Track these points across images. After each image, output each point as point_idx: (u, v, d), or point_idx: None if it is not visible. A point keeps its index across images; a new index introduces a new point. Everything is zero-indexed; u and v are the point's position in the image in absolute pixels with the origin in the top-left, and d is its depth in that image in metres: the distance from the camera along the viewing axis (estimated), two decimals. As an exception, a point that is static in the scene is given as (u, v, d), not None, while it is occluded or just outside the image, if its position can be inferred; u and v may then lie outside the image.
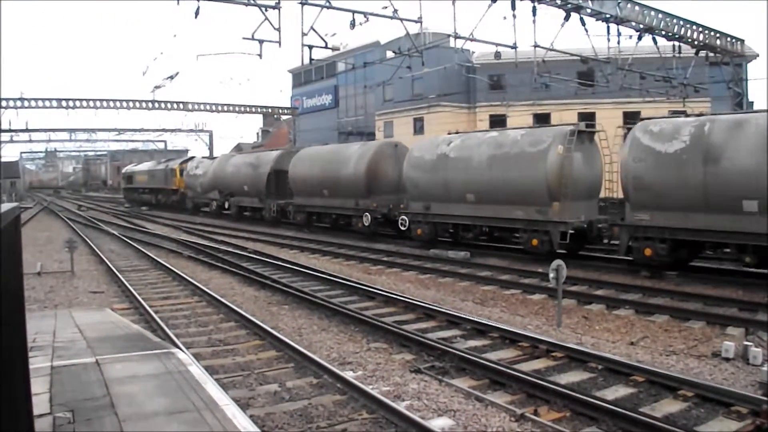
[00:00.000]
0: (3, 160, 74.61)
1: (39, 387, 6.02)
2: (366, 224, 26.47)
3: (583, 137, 19.41)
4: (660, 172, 16.16)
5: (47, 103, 46.37)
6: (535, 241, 19.21)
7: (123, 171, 72.61)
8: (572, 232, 18.25)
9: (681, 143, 15.89)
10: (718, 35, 25.71)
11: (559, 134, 19.03)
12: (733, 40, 26.76)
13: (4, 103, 45.22)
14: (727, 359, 9.10)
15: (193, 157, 52.28)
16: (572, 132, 18.77)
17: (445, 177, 22.12)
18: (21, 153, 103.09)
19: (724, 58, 26.82)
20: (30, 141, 77.65)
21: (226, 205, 40.19)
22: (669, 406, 7.24)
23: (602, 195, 20.64)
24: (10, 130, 63.90)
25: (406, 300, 13.15)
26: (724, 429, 6.60)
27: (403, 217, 24.34)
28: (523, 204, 19.52)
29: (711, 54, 26.22)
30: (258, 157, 37.91)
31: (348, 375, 8.13)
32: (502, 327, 10.76)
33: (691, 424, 6.71)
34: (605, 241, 18.97)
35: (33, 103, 46.13)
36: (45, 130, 69.24)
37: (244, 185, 36.97)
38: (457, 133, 24.05)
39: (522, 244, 20.19)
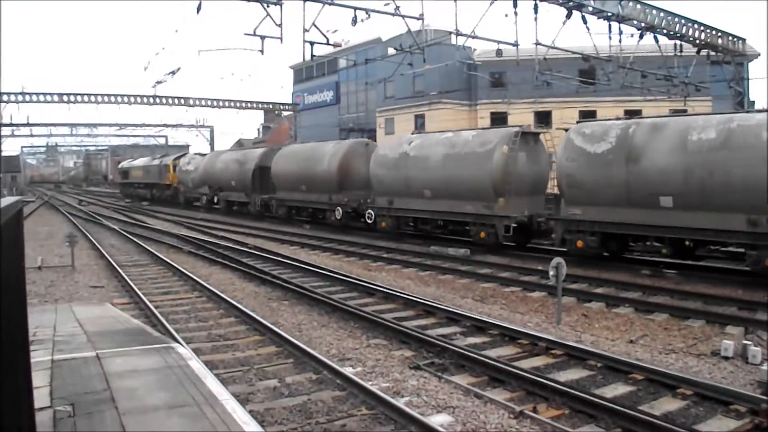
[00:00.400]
0: (4, 154, 74.58)
1: (39, 380, 6.04)
2: (338, 217, 28.48)
3: (528, 138, 21.28)
4: (590, 171, 17.66)
5: (48, 98, 46.31)
6: (482, 234, 20.91)
7: (119, 166, 74.54)
8: (515, 225, 19.78)
9: (608, 144, 17.35)
10: (719, 34, 25.67)
11: (505, 135, 20.82)
12: (735, 39, 26.72)
13: (5, 98, 45.22)
14: (727, 358, 9.12)
15: (185, 154, 53.89)
16: (516, 133, 20.68)
17: (406, 174, 23.85)
18: (22, 147, 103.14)
19: (726, 57, 26.78)
20: (31, 135, 77.56)
21: (215, 200, 42.10)
22: (668, 405, 7.26)
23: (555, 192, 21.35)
24: (11, 125, 63.89)
25: (406, 297, 13.16)
26: (723, 428, 6.61)
27: (370, 211, 26.14)
28: (472, 199, 21.13)
29: (712, 53, 26.18)
30: (244, 154, 40.12)
31: (347, 371, 8.15)
32: (501, 324, 10.78)
33: (690, 422, 6.72)
34: (553, 235, 19.83)
35: (34, 98, 46.06)
36: (46, 125, 69.30)
37: (232, 181, 39.10)
38: (418, 133, 25.33)
39: (472, 236, 21.63)
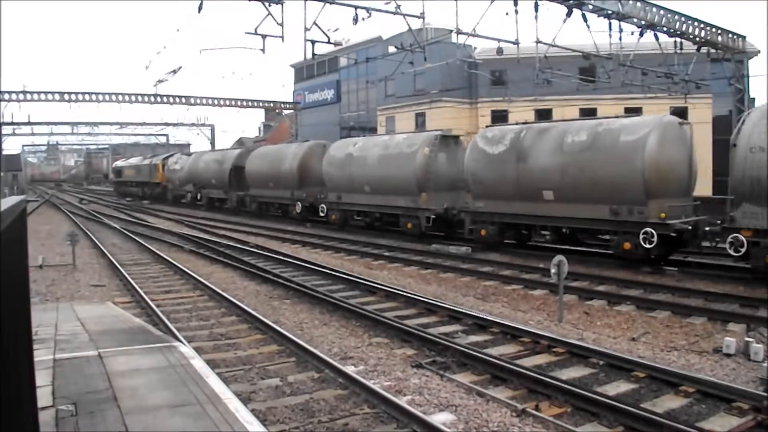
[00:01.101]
0: (5, 153, 74.51)
1: (42, 379, 6.04)
2: (298, 211, 32.12)
3: (449, 140, 24.63)
4: (489, 170, 20.51)
5: (50, 97, 46.27)
6: (409, 225, 24.15)
7: (113, 166, 79.09)
8: (434, 216, 22.91)
9: (504, 147, 20.17)
10: (719, 32, 25.62)
11: (427, 138, 24.14)
12: (735, 37, 26.67)
13: (6, 96, 45.21)
14: (729, 355, 9.13)
15: (173, 154, 56.04)
16: (436, 137, 24.05)
17: (351, 172, 26.99)
18: (23, 146, 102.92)
19: (726, 55, 26.72)
20: (32, 134, 77.66)
21: (199, 197, 45.76)
22: (670, 402, 7.27)
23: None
24: (12, 123, 63.85)
25: (408, 295, 13.17)
26: (726, 425, 6.62)
27: (323, 205, 29.38)
28: (401, 194, 24.28)
29: (713, 50, 26.14)
30: (223, 154, 43.97)
31: (349, 370, 8.15)
32: (503, 322, 10.79)
33: (693, 420, 6.73)
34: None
35: (35, 97, 46.03)
36: (47, 123, 69.16)
37: (212, 179, 42.93)
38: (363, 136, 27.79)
39: (401, 226, 24.65)
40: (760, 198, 14.46)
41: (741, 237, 14.79)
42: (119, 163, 73.83)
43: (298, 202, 31.95)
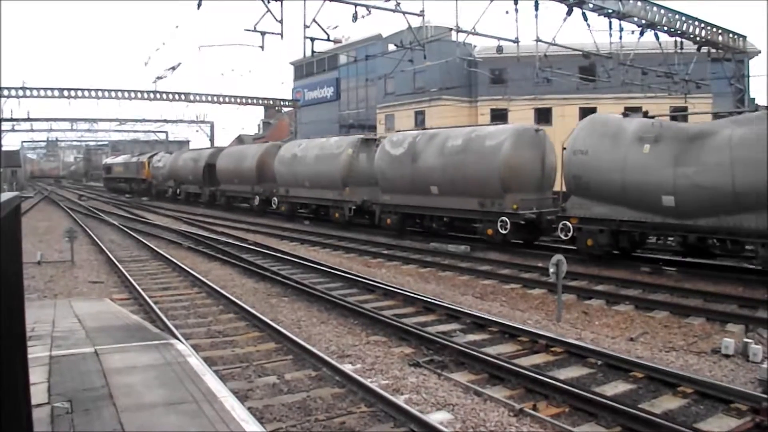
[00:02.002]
0: (4, 149, 74.47)
1: (38, 376, 6.02)
2: (256, 203, 36.41)
3: (369, 143, 28.23)
4: (392, 168, 24.22)
5: (49, 93, 46.30)
6: (336, 214, 28.23)
7: (103, 163, 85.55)
8: (355, 208, 27.14)
9: (403, 149, 23.87)
10: (720, 32, 25.62)
11: (351, 141, 28.45)
12: (736, 37, 26.67)
13: (6, 93, 45.20)
14: (727, 356, 9.11)
15: (157, 152, 60.54)
16: (359, 140, 28.27)
17: (295, 170, 31.31)
18: (22, 142, 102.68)
19: (726, 55, 26.73)
20: (31, 130, 77.52)
21: (178, 192, 49.99)
22: (668, 403, 7.24)
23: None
24: (11, 119, 63.81)
25: (406, 293, 13.14)
26: (724, 426, 6.59)
27: (275, 198, 33.85)
28: (330, 188, 28.59)
29: (713, 50, 26.14)
30: (198, 153, 48.00)
31: (347, 368, 8.13)
32: (501, 321, 10.76)
33: (691, 420, 6.70)
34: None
35: (35, 93, 46.06)
36: (46, 120, 69.04)
37: (189, 175, 46.98)
38: (308, 138, 32.53)
39: (330, 216, 28.81)
40: (582, 191, 17.91)
41: (569, 224, 18.12)
42: (109, 160, 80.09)
43: (257, 196, 36.37)
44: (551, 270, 11.59)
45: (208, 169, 43.30)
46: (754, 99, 34.06)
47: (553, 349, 9.27)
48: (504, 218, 19.85)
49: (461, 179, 21.19)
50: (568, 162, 18.07)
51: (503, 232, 19.89)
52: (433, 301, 12.43)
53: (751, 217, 14.41)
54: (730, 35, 26.31)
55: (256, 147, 39.05)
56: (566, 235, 18.20)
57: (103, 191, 74.68)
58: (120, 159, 72.90)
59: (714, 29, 25.32)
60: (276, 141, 43.08)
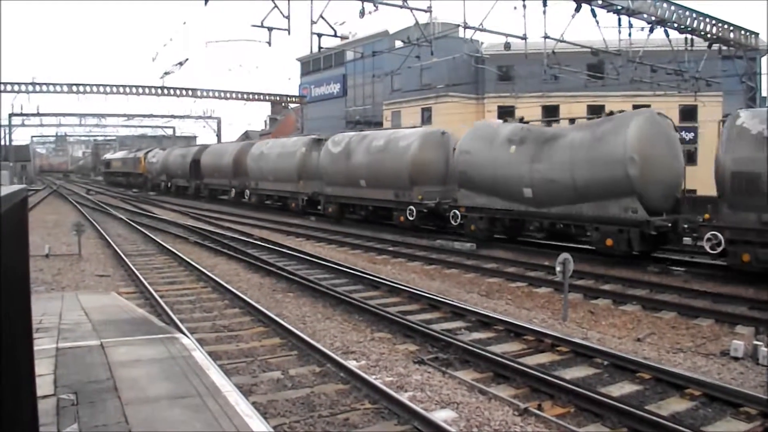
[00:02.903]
0: (14, 143, 74.79)
1: (44, 368, 6.04)
2: (232, 195, 41.39)
3: (321, 142, 31.39)
4: (333, 164, 28.32)
5: (58, 88, 46.50)
6: (293, 204, 33.16)
7: (102, 158, 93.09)
8: (307, 199, 31.83)
9: (341, 148, 27.99)
10: (731, 28, 25.43)
11: (305, 141, 33.12)
12: (748, 34, 26.46)
13: (16, 88, 45.40)
14: (736, 358, 9.00)
15: (152, 149, 65.49)
16: (311, 140, 32.71)
17: (261, 165, 36.28)
18: (32, 137, 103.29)
19: (738, 52, 26.53)
20: (41, 125, 78.02)
21: (169, 185, 54.85)
22: (676, 405, 7.18)
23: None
24: (21, 114, 64.14)
25: (411, 290, 13.11)
26: (733, 430, 6.53)
27: (247, 190, 38.60)
28: (288, 182, 33.28)
29: (724, 47, 25.95)
30: (186, 150, 53.08)
31: (351, 364, 8.10)
32: (507, 320, 10.72)
33: (699, 423, 6.64)
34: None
35: (44, 88, 46.29)
36: (55, 115, 69.59)
37: (179, 170, 51.76)
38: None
39: (288, 207, 33.73)
40: (467, 185, 21.40)
41: (458, 212, 21.67)
42: (108, 156, 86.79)
43: (233, 189, 41.24)
44: (558, 269, 11.53)
45: (194, 165, 47.85)
46: (766, 97, 33.89)
47: (558, 348, 9.22)
48: (411, 207, 23.78)
49: (382, 174, 25.30)
50: (457, 160, 21.99)
51: (411, 218, 23.82)
52: (438, 298, 12.39)
53: (588, 206, 17.72)
54: (742, 32, 26.12)
55: (233, 145, 44.47)
56: (456, 222, 21.89)
57: (112, 185, 74.92)
58: (118, 155, 78.47)
59: (725, 26, 25.13)
60: (281, 137, 43.61)
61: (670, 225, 16.57)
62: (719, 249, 15.03)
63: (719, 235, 14.93)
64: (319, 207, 30.75)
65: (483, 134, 21.43)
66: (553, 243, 20.38)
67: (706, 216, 15.80)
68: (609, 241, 17.07)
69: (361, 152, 26.46)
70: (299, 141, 33.79)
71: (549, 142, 18.78)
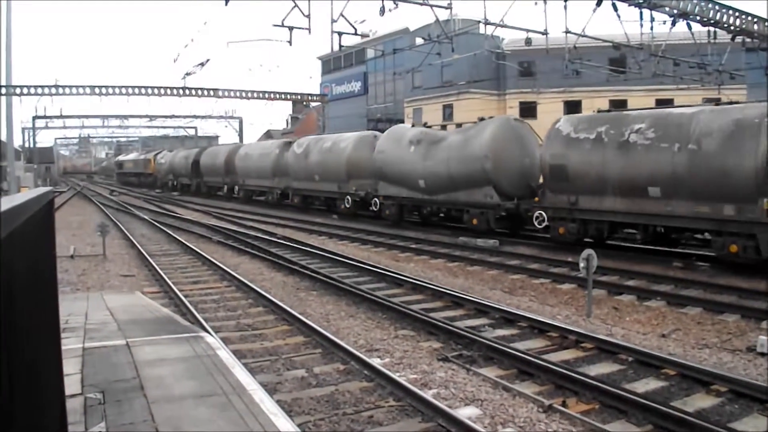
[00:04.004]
0: (38, 145, 75.82)
1: (71, 368, 6.11)
2: (224, 191, 46.64)
3: (291, 144, 36.55)
4: (296, 163, 34.33)
5: (81, 90, 46.82)
6: (269, 197, 38.63)
7: (115, 160, 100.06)
8: (280, 192, 37.08)
9: (302, 149, 33.80)
10: (755, 20, 25.00)
11: (279, 143, 39.40)
12: (772, 26, 26.03)
13: (39, 90, 45.92)
14: (763, 354, 8.87)
15: (161, 151, 70.40)
16: (284, 143, 38.61)
17: (247, 164, 41.83)
18: (55, 139, 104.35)
19: (762, 44, 26.12)
20: (64, 127, 78.74)
21: (175, 183, 60.38)
22: (701, 401, 7.11)
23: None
24: (44, 117, 64.91)
25: (434, 288, 13.10)
26: (760, 426, 6.44)
27: (236, 186, 44.07)
28: (266, 178, 38.63)
29: (748, 39, 25.56)
30: (189, 152, 58.26)
31: (375, 362, 8.12)
32: (530, 316, 10.67)
33: (725, 420, 6.56)
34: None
35: (67, 90, 46.63)
36: (78, 117, 70.13)
37: (182, 170, 57.32)
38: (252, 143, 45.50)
39: (266, 199, 39.72)
40: (383, 178, 26.40)
41: (377, 200, 26.91)
42: (121, 157, 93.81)
43: (225, 185, 46.44)
44: (581, 265, 11.46)
45: (194, 165, 53.33)
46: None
47: (583, 344, 9.17)
48: (348, 196, 29.25)
49: (329, 170, 30.72)
50: (375, 158, 26.71)
51: (347, 206, 29.28)
52: (461, 295, 12.37)
53: (462, 193, 22.29)
54: (766, 24, 25.70)
55: (225, 147, 50.81)
56: (376, 207, 27.07)
57: (135, 186, 75.66)
58: (130, 156, 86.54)
59: (749, 18, 24.73)
60: (303, 136, 43.95)
61: (514, 207, 20.66)
62: (544, 224, 19.21)
63: (543, 213, 19.14)
64: (287, 200, 36.67)
65: (394, 137, 26.26)
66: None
67: (536, 199, 19.95)
68: (474, 221, 21.69)
69: (316, 152, 32.16)
70: (274, 143, 40.97)
71: (436, 143, 23.74)
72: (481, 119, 22.57)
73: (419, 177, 23.77)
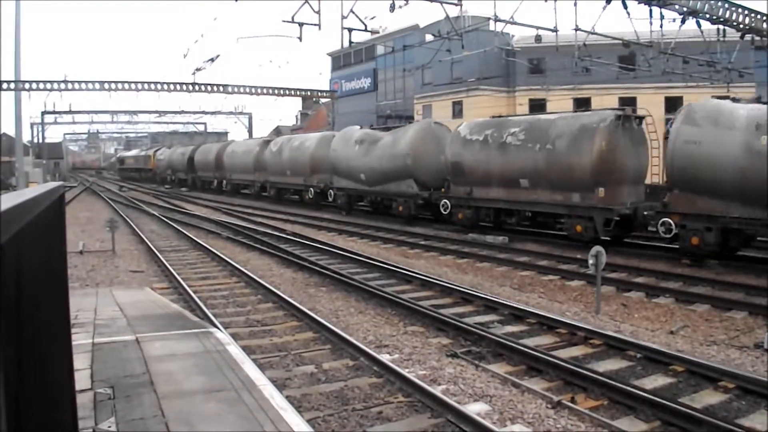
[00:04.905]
0: (47, 141, 76.16)
1: (81, 363, 6.16)
2: (215, 185, 50.51)
3: (270, 143, 41.10)
4: (272, 159, 39.04)
5: (90, 86, 46.95)
6: (251, 190, 43.61)
7: (117, 156, 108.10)
8: (260, 185, 41.64)
9: (277, 147, 38.33)
10: (765, 18, 24.85)
11: (259, 142, 44.05)
12: (783, 23, 25.85)
13: (48, 86, 46.05)
14: (771, 351, 8.87)
15: (161, 147, 76.73)
16: (264, 140, 43.26)
17: (233, 161, 46.49)
18: (64, 134, 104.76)
19: (772, 42, 25.94)
20: (73, 123, 79.23)
21: (173, 177, 64.21)
22: (709, 398, 7.10)
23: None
24: (54, 112, 65.22)
25: (444, 284, 13.11)
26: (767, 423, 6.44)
27: (224, 180, 48.16)
28: (249, 173, 43.04)
29: (757, 38, 25.39)
30: (185, 149, 62.24)
31: (384, 358, 8.14)
32: (539, 313, 10.67)
33: (732, 416, 6.56)
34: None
35: (76, 86, 46.73)
36: (88, 112, 70.55)
37: (179, 165, 61.25)
38: (240, 141, 50.25)
39: (249, 191, 43.95)
40: (336, 173, 30.83)
41: (332, 191, 31.60)
42: (123, 153, 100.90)
43: (215, 179, 50.63)
44: (590, 261, 11.45)
45: (190, 161, 57.31)
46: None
47: (591, 341, 9.17)
48: (311, 188, 33.90)
49: (297, 165, 35.39)
50: (330, 155, 30.92)
51: (310, 197, 34.03)
52: (470, 292, 12.38)
53: (392, 185, 26.58)
54: (776, 22, 25.52)
55: (215, 145, 54.11)
56: (331, 198, 31.77)
57: (144, 182, 75.97)
58: (131, 153, 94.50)
59: (758, 16, 24.56)
60: (312, 131, 44.44)
61: (428, 196, 24.76)
62: (447, 211, 23.38)
63: (447, 202, 23.33)
64: (264, 192, 40.94)
65: (344, 137, 30.60)
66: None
67: (443, 190, 24.22)
68: (400, 208, 26.20)
69: (287, 150, 36.70)
70: (254, 142, 46.25)
71: (374, 142, 28.02)
72: (411, 122, 28.52)
73: (361, 171, 28.26)
